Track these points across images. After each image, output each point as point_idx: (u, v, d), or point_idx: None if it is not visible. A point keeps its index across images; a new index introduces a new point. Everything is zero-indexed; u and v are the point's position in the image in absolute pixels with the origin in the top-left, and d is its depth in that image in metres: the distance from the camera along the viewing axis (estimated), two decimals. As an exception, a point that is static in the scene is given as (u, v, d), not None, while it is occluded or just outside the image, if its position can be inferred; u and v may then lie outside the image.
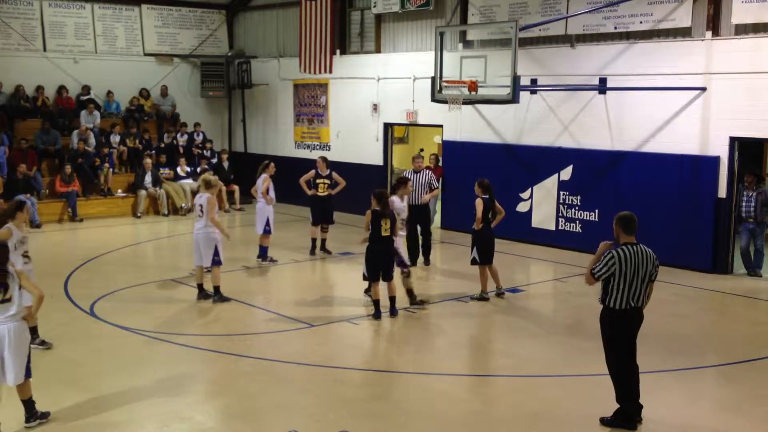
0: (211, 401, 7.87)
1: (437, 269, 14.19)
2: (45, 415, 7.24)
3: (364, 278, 10.69)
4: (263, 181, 13.82)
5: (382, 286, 10.63)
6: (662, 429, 7.20)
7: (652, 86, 14.01)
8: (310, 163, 20.60)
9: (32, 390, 7.22)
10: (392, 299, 10.75)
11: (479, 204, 11.39)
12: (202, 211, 11.23)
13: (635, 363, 7.22)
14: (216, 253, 11.30)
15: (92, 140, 19.69)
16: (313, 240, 14.86)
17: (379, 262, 10.54)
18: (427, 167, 16.62)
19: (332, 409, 7.57)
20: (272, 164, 14.25)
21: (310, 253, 14.76)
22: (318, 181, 14.67)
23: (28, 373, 7.08)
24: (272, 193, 14.00)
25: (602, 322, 7.14)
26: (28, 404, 7.15)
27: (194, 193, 19.62)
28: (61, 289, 12.10)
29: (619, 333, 7.09)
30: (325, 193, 14.68)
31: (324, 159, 15.03)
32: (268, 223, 13.85)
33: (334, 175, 14.82)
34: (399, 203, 11.25)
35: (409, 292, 11.16)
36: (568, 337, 9.93)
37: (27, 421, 7.12)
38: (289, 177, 16.91)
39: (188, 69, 22.84)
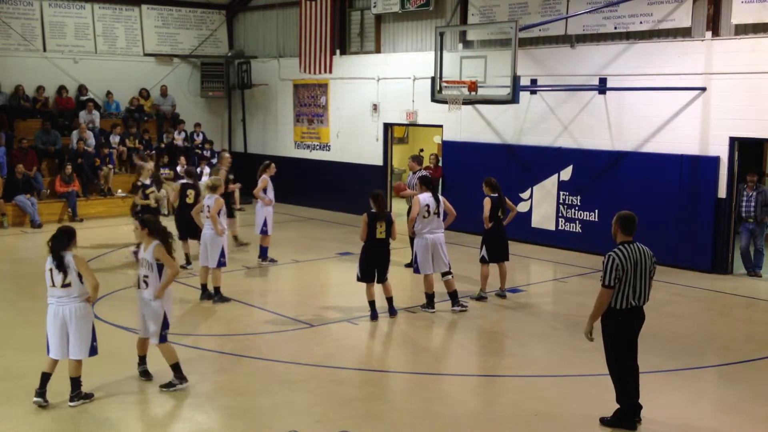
0: (211, 401, 7.86)
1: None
2: (89, 396, 7.66)
3: (358, 279, 10.64)
4: (261, 182, 13.82)
5: (376, 287, 10.62)
6: (662, 429, 7.20)
7: (652, 86, 14.02)
8: (310, 164, 20.74)
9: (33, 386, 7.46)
10: (389, 300, 10.74)
11: (487, 203, 11.37)
12: (209, 211, 11.30)
13: (636, 363, 7.22)
14: (222, 254, 11.33)
15: (92, 140, 19.69)
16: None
17: (374, 265, 10.51)
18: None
19: (332, 409, 7.57)
20: (273, 165, 14.22)
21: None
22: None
23: (92, 351, 7.62)
24: (271, 194, 13.94)
25: (604, 322, 7.13)
26: (75, 382, 7.59)
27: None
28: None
29: (621, 333, 7.08)
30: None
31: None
32: (265, 224, 13.81)
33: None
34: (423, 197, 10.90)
35: (453, 294, 11.08)
36: (568, 337, 9.92)
37: (71, 399, 7.56)
38: (289, 177, 16.99)
39: (188, 69, 22.84)
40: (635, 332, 7.16)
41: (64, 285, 7.39)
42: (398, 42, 18.82)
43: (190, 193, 13.29)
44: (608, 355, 7.22)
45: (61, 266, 7.37)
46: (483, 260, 11.55)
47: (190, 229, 12.91)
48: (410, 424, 7.33)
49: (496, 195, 11.47)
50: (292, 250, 14.94)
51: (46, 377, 7.56)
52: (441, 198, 11.05)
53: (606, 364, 7.29)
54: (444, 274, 11.05)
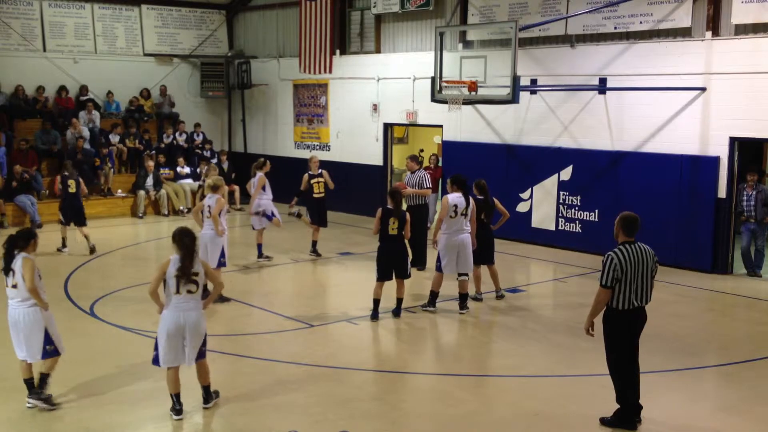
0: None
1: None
2: (48, 399, 7.53)
3: (377, 279, 10.57)
4: (259, 180, 13.96)
5: (386, 287, 10.59)
6: (662, 429, 7.20)
7: (652, 86, 14.02)
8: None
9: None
10: (399, 301, 10.74)
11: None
12: (210, 212, 11.27)
13: (636, 363, 7.21)
14: (222, 254, 11.31)
15: (86, 132, 19.59)
16: (315, 242, 14.81)
17: (391, 261, 10.50)
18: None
19: (332, 409, 7.57)
20: (268, 162, 14.54)
21: (315, 254, 14.72)
22: (313, 181, 14.58)
23: (45, 354, 7.44)
24: (269, 191, 14.16)
25: (605, 323, 7.12)
26: (40, 379, 7.53)
27: (194, 194, 19.74)
28: (62, 289, 12.11)
29: (622, 333, 7.07)
30: (322, 194, 14.63)
31: (316, 158, 15.09)
32: (273, 214, 14.13)
33: (325, 174, 14.78)
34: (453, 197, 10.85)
35: (464, 296, 11.06)
36: (568, 337, 9.92)
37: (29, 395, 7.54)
38: (289, 177, 16.96)
39: (188, 69, 22.84)
40: (636, 333, 7.15)
41: (13, 286, 7.32)
42: (398, 42, 18.82)
43: (71, 183, 14.93)
44: (609, 356, 7.21)
45: (7, 267, 7.31)
46: None
47: (74, 215, 14.96)
48: (410, 424, 7.33)
49: (482, 197, 11.43)
50: (292, 251, 14.93)
51: (28, 383, 7.53)
52: (471, 200, 10.95)
53: (606, 364, 7.28)
54: (460, 274, 11.03)
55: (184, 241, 7.18)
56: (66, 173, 15.08)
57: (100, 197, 19.31)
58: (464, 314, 10.94)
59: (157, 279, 7.22)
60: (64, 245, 15.02)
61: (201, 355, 7.44)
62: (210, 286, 7.88)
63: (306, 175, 14.60)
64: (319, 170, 14.73)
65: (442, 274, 10.96)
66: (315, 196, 14.55)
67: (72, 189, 14.92)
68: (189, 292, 7.21)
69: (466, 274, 11.04)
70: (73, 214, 14.96)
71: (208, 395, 7.56)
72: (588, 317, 7.15)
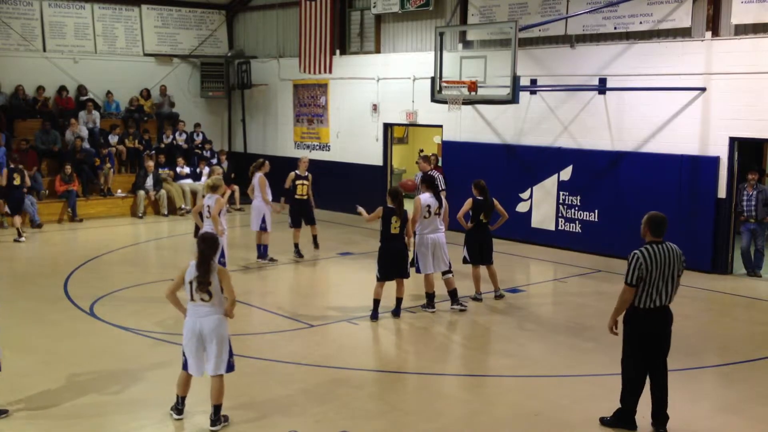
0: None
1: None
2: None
3: (378, 279, 10.57)
4: (260, 180, 13.93)
5: (387, 286, 10.59)
6: (662, 429, 7.20)
7: (652, 86, 14.02)
8: (310, 164, 20.62)
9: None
10: (399, 300, 10.74)
11: (467, 203, 11.36)
12: (210, 212, 11.26)
13: (662, 367, 7.13)
14: (222, 254, 11.30)
15: (85, 132, 19.57)
16: (296, 243, 14.67)
17: (393, 261, 10.50)
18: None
19: (332, 409, 7.56)
20: (267, 162, 14.46)
21: (297, 255, 14.56)
22: (297, 182, 14.50)
23: None
24: (268, 192, 14.08)
25: (626, 322, 7.11)
26: None
27: (194, 194, 19.73)
28: (61, 289, 12.10)
29: (640, 332, 7.03)
30: (304, 196, 14.55)
31: (306, 159, 14.99)
32: (264, 221, 13.91)
33: (310, 177, 14.71)
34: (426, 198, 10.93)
35: (453, 293, 11.09)
36: (568, 338, 9.91)
37: None
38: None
39: (188, 69, 22.83)
40: (657, 333, 7.08)
41: None
42: (398, 42, 18.82)
43: (17, 176, 16.35)
44: (624, 353, 7.18)
45: None
46: (465, 261, 11.56)
47: (17, 206, 16.34)
48: (410, 424, 7.33)
49: (482, 198, 11.43)
50: (291, 251, 14.93)
51: None
52: (443, 199, 11.05)
53: (621, 363, 7.24)
54: (444, 273, 11.06)
55: (201, 247, 7.06)
56: (12, 166, 16.48)
57: (100, 197, 19.30)
58: (457, 311, 10.93)
59: (176, 283, 7.12)
60: (20, 235, 15.94)
61: (230, 367, 7.12)
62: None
63: (293, 174, 14.53)
64: (306, 173, 14.64)
65: (429, 275, 11.00)
66: (297, 197, 14.47)
67: (17, 182, 16.30)
68: (202, 300, 7.05)
69: (450, 272, 11.07)
70: (14, 204, 16.28)
71: (217, 417, 7.10)
72: (612, 315, 7.12)
